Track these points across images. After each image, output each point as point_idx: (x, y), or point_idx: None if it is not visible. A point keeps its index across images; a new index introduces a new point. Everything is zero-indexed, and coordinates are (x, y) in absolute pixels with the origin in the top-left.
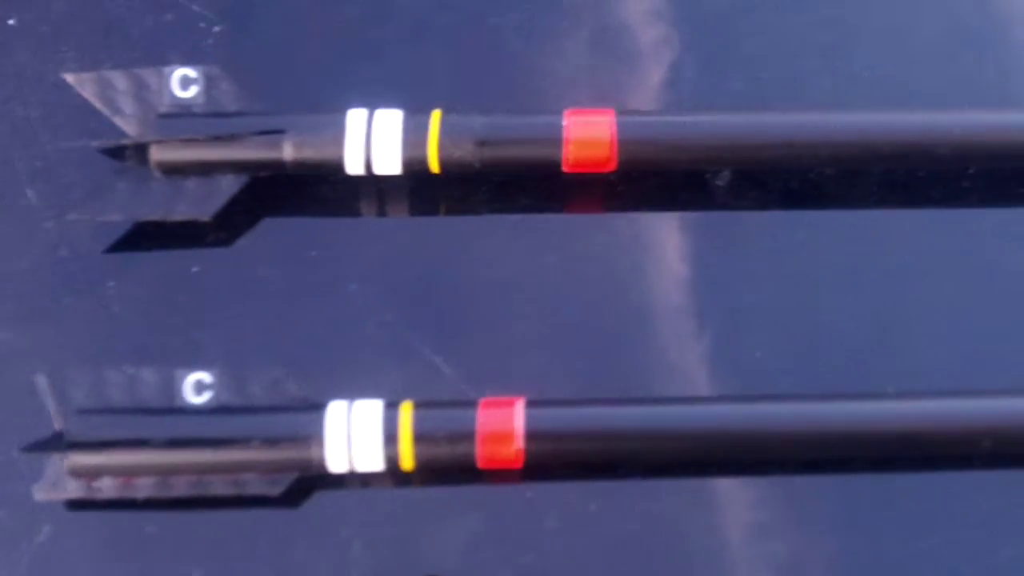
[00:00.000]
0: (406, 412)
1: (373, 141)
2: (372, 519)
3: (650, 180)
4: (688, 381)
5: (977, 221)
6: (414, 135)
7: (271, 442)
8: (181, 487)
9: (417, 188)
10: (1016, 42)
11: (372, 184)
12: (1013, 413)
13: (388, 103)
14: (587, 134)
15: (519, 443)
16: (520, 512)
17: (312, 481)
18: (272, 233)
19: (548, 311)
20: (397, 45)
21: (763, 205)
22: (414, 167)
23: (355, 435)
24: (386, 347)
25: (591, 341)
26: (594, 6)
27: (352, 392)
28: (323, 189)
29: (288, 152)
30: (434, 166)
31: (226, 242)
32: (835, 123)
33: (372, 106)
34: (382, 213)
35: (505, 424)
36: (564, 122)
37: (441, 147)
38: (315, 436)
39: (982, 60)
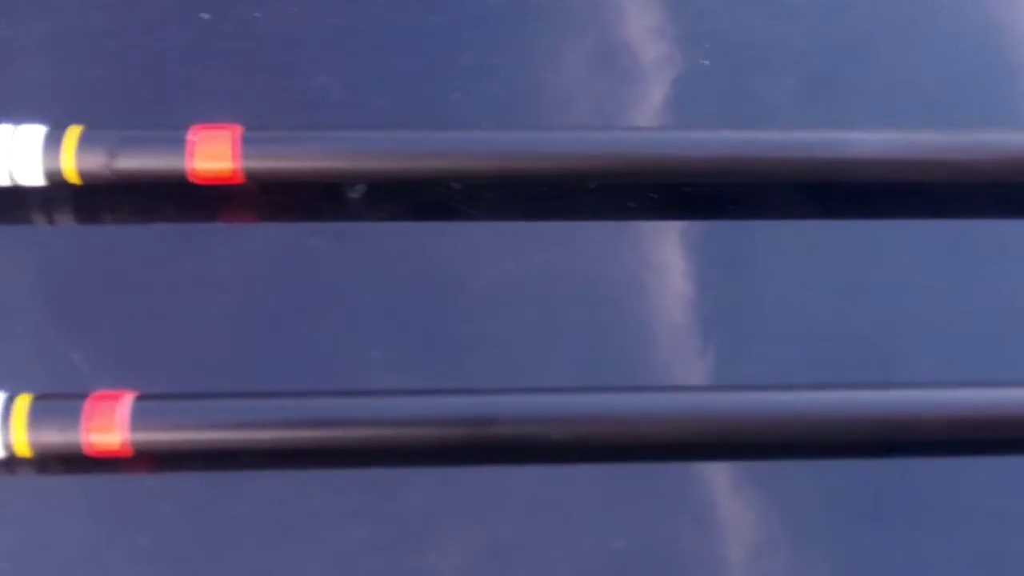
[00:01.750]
0: (22, 403)
1: (14, 154)
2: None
3: (294, 192)
4: (313, 374)
5: (587, 233)
6: (53, 149)
7: None
8: None
9: (72, 198)
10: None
11: (36, 195)
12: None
13: (47, 120)
14: (211, 148)
15: (124, 434)
16: (135, 499)
17: None
18: None
19: (185, 313)
20: (71, 66)
21: (395, 217)
22: (56, 179)
23: None
24: (30, 345)
25: (232, 339)
26: (262, 27)
27: None
28: None
29: None
30: (73, 178)
31: None
32: (457, 140)
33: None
34: (38, 222)
35: (109, 416)
36: (189, 137)
37: (78, 160)
38: None
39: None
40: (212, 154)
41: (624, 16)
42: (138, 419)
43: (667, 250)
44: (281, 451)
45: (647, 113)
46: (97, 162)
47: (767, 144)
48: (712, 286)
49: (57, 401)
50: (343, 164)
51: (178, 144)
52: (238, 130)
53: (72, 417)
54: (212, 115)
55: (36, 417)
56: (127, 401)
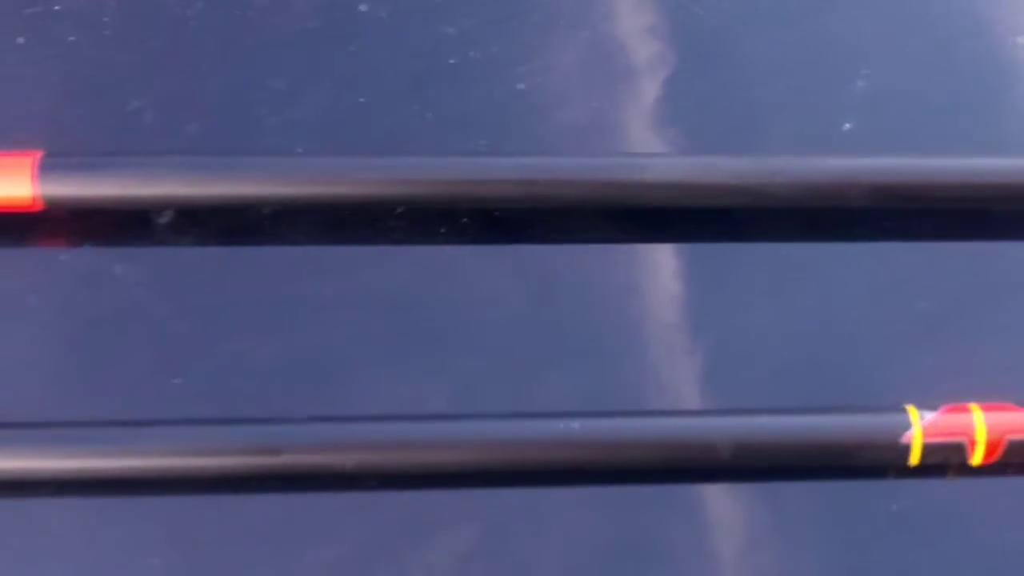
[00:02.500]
0: None
1: None
2: None
3: (100, 218)
4: (115, 402)
5: (397, 257)
6: None
7: None
8: None
9: None
10: None
11: None
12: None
13: None
14: (7, 175)
15: None
16: None
17: None
18: None
19: None
20: None
21: (203, 242)
22: None
23: None
24: None
25: (32, 367)
26: (77, 51)
27: None
28: None
29: None
30: None
31: None
32: (266, 165)
33: None
34: None
35: None
36: None
37: None
38: None
39: None
40: (9, 181)
41: (440, 41)
42: None
43: (478, 274)
44: (75, 481)
45: (460, 137)
46: None
47: (567, 169)
48: (522, 310)
49: None
50: (146, 190)
51: None
52: (37, 156)
53: None
54: (23, 141)
55: None
56: None
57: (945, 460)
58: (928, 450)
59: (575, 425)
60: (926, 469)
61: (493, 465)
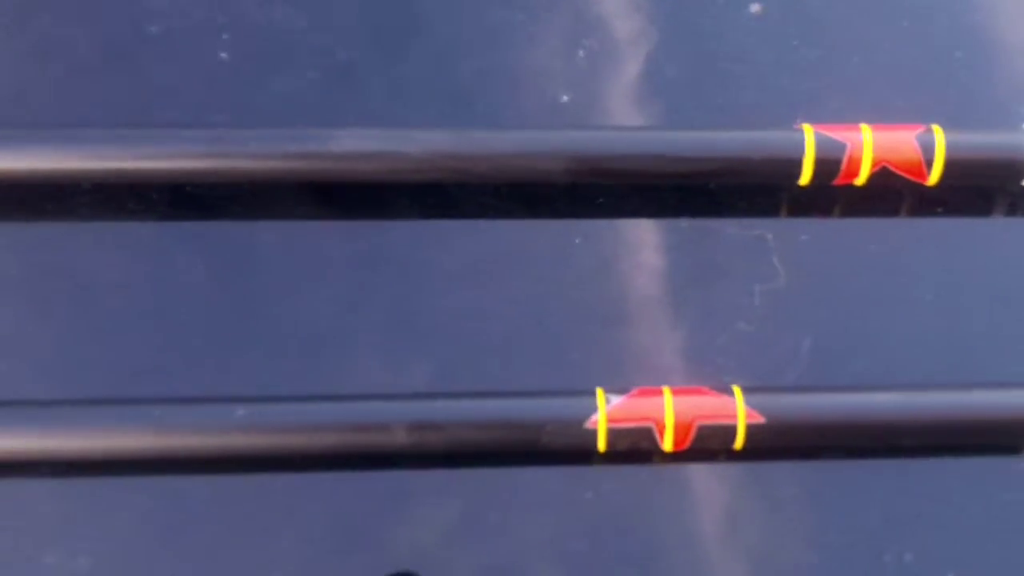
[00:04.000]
0: None
1: None
2: None
3: None
4: None
5: (83, 235)
6: None
7: None
8: None
9: None
10: None
11: None
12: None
13: None
14: None
15: None
16: None
17: None
18: None
19: None
20: None
21: None
22: None
23: None
24: None
25: None
26: None
27: None
28: None
29: None
30: None
31: None
32: None
33: None
34: None
35: None
36: None
37: None
38: None
39: None
40: None
41: (142, 10)
42: None
43: (167, 252)
44: None
45: (157, 109)
46: None
47: (256, 140)
48: (211, 289)
49: None
50: None
51: None
52: None
53: None
54: None
55: None
56: None
57: (635, 445)
58: (614, 435)
59: (239, 411)
60: (623, 456)
61: (151, 451)
